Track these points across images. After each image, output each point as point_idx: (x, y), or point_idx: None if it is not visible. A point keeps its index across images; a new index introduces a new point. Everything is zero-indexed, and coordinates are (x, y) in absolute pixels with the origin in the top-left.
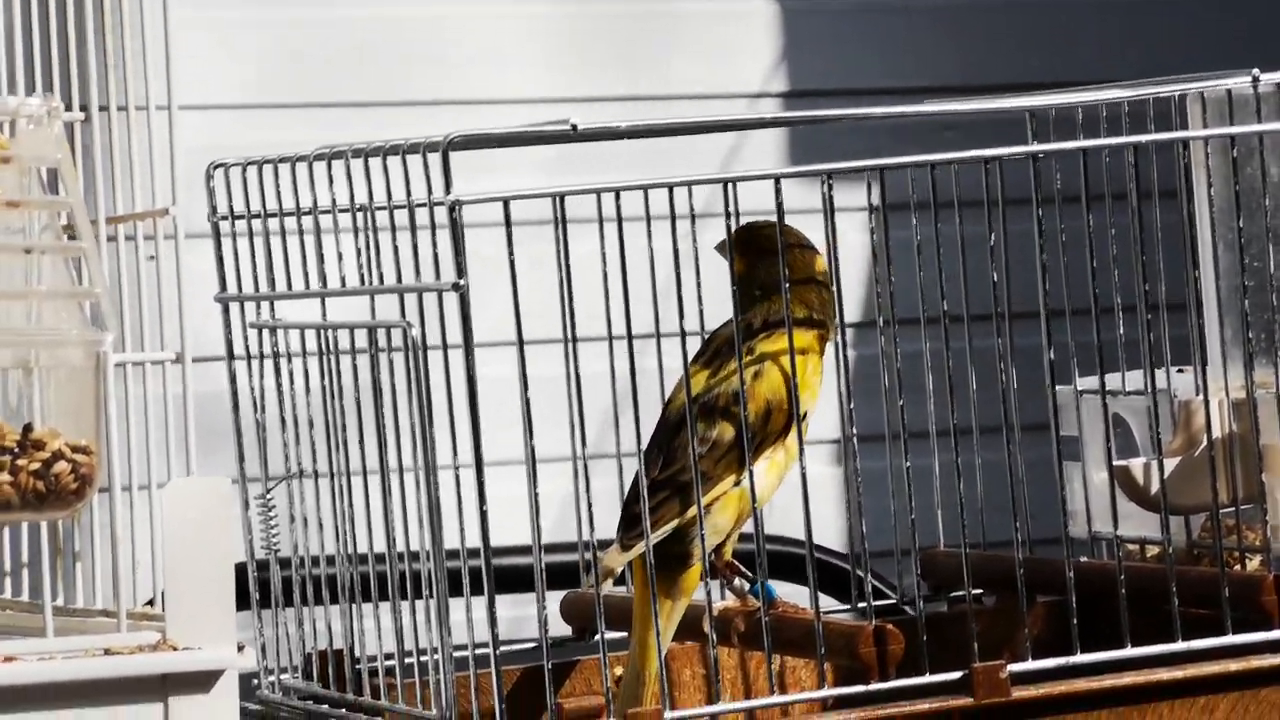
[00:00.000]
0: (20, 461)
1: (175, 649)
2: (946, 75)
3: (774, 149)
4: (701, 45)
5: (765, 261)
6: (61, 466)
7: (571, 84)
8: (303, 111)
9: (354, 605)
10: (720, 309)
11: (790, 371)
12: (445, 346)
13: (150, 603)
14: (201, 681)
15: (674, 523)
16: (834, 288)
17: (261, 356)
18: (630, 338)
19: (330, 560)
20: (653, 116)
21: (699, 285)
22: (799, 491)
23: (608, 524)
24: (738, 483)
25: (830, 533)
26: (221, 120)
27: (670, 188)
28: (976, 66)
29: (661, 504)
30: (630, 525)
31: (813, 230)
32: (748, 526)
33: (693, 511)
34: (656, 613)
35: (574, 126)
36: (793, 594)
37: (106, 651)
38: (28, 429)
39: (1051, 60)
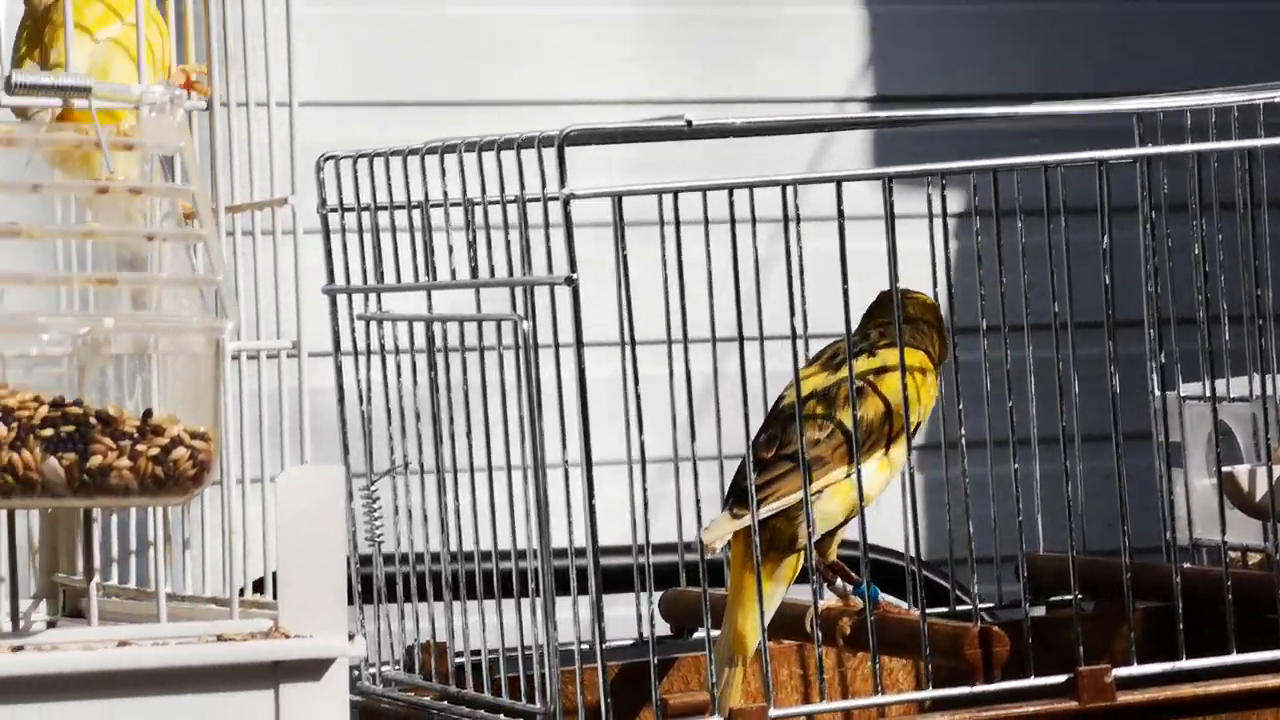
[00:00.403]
0: (139, 447)
1: (287, 636)
2: (1035, 82)
3: (854, 158)
4: (787, 49)
5: (884, 310)
6: (180, 453)
7: (656, 86)
8: (412, 110)
9: (457, 601)
10: (816, 316)
11: (902, 382)
12: (556, 342)
13: (259, 583)
14: (312, 669)
15: (788, 498)
16: (942, 289)
17: (369, 349)
18: (741, 339)
19: (435, 557)
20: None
21: (802, 285)
22: (896, 498)
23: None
24: (849, 474)
25: (921, 540)
26: (326, 117)
27: (783, 186)
28: (1061, 74)
29: (775, 480)
30: (740, 497)
31: (905, 235)
32: (850, 533)
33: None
34: (761, 595)
35: (689, 122)
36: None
37: (219, 638)
38: (147, 414)
39: (1143, 70)
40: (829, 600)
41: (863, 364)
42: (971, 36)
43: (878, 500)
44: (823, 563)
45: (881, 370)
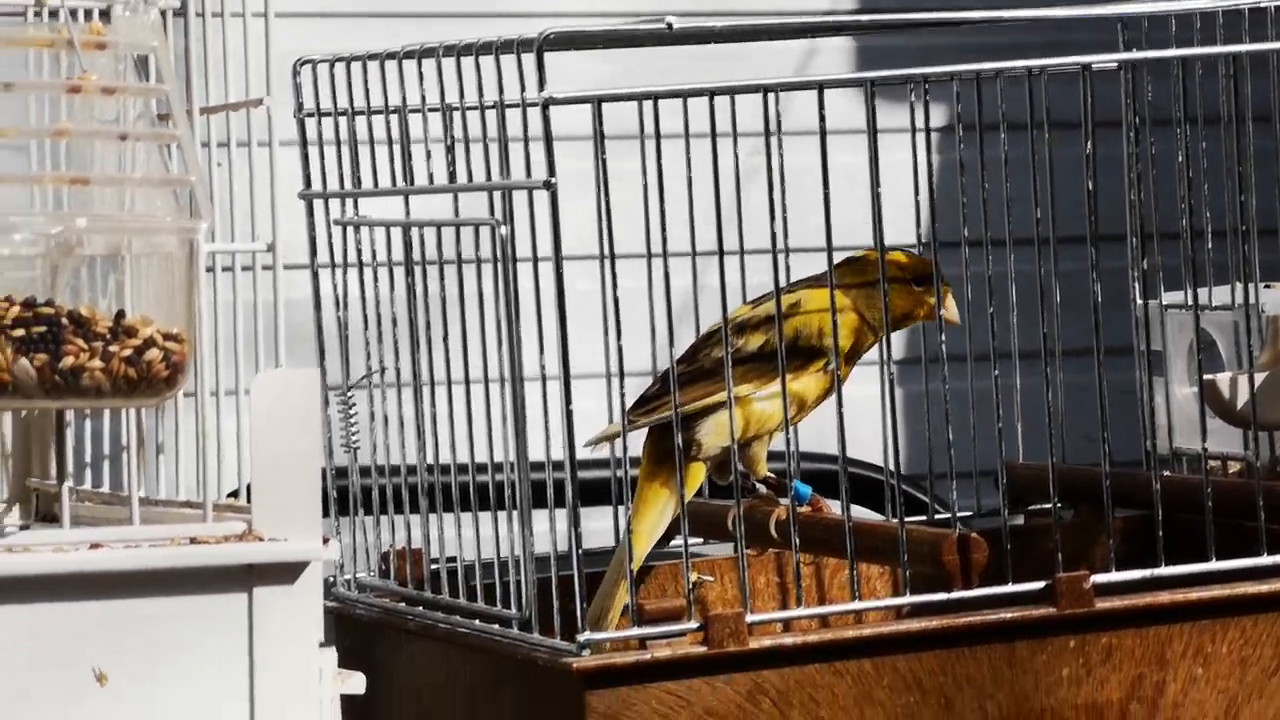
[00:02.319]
0: (112, 348)
1: (261, 539)
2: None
3: (842, 70)
4: None
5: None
6: (153, 354)
7: (642, 1)
8: (390, 21)
9: (433, 512)
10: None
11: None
12: (534, 246)
13: (233, 494)
14: (287, 572)
15: (685, 408)
16: (924, 198)
17: (345, 254)
18: (721, 252)
19: (412, 468)
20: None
21: (784, 197)
22: (875, 411)
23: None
24: (751, 392)
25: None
26: (302, 28)
27: (764, 91)
28: None
29: (669, 393)
30: (638, 405)
31: (886, 148)
32: (814, 447)
33: (698, 404)
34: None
35: (669, 25)
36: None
37: (192, 540)
38: (120, 315)
39: None
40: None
41: (784, 299)
42: None
43: (816, 414)
44: (755, 478)
45: (795, 305)
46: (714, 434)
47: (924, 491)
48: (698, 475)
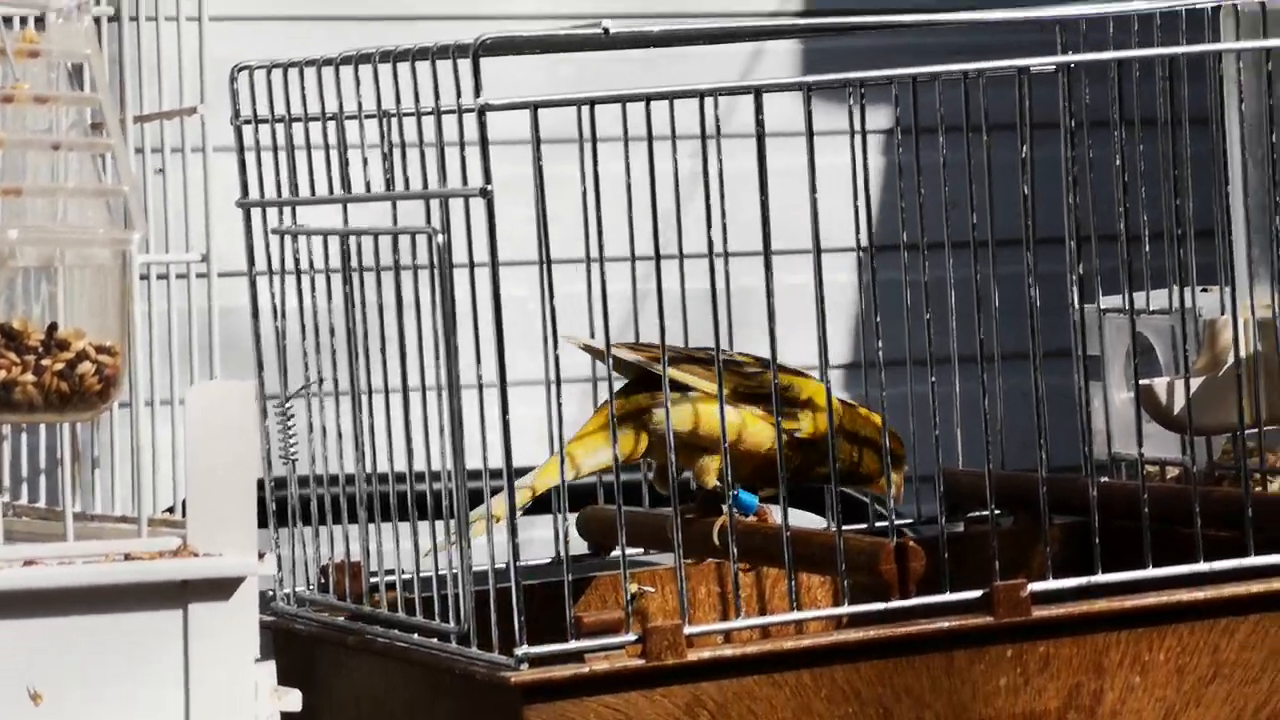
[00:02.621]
0: (44, 361)
1: (196, 555)
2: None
3: (789, 73)
4: None
5: None
6: (86, 367)
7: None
8: (328, 25)
9: (371, 523)
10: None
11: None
12: (471, 254)
13: (169, 510)
14: (222, 588)
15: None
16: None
17: (283, 265)
18: (659, 258)
19: (349, 478)
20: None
21: (722, 201)
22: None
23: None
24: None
25: None
26: (240, 32)
27: (701, 95)
28: None
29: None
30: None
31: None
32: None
33: (687, 378)
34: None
35: (605, 30)
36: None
37: (127, 556)
38: (52, 328)
39: None
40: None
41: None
42: None
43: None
44: (701, 484)
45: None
46: (683, 420)
47: (864, 495)
48: (640, 444)
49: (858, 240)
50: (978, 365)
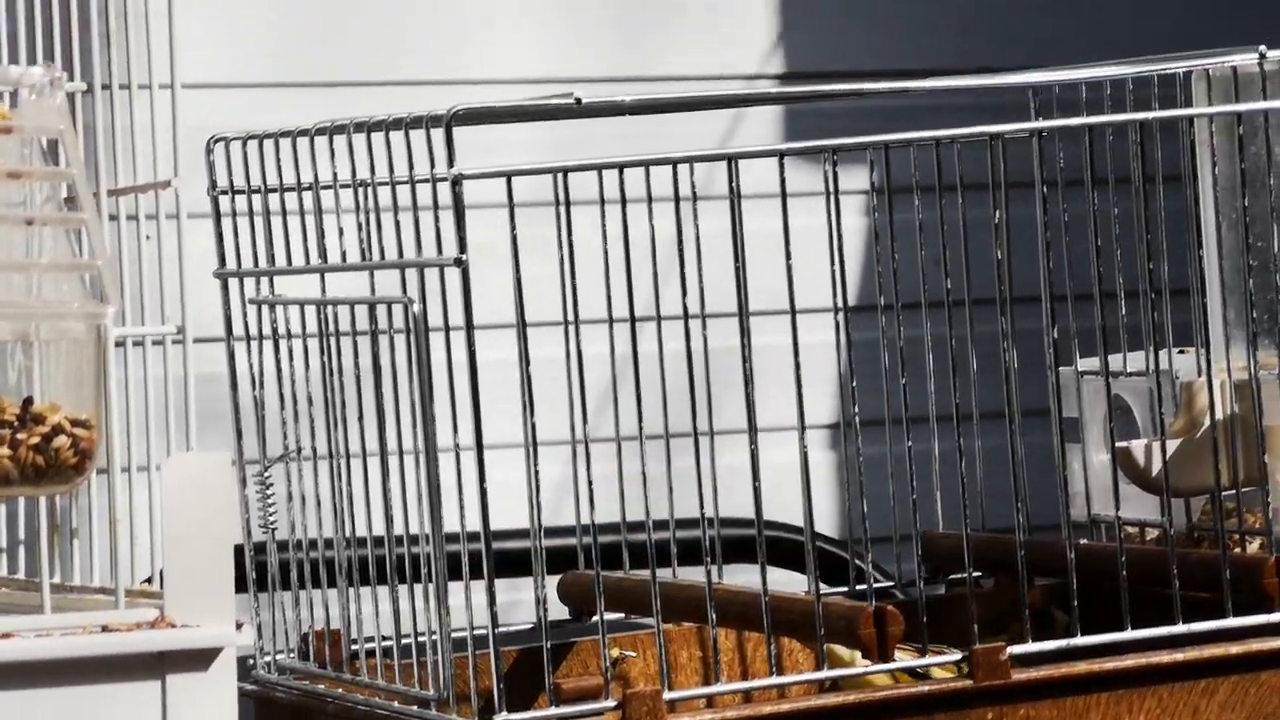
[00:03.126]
0: (20, 435)
1: (173, 626)
2: (946, 58)
3: (771, 135)
4: (699, 26)
5: None
6: (61, 441)
7: (569, 64)
8: (301, 91)
9: (351, 588)
10: (714, 294)
11: None
12: (446, 323)
13: (148, 581)
14: (199, 659)
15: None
16: (838, 267)
17: (260, 334)
18: (633, 320)
19: (328, 543)
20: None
21: (700, 266)
22: (791, 478)
23: (605, 507)
24: None
25: (823, 519)
26: (219, 100)
27: (674, 163)
28: (977, 49)
29: None
30: None
31: (813, 213)
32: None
33: None
34: None
35: (578, 100)
36: (787, 581)
37: (104, 628)
38: (28, 403)
39: (1055, 43)
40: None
41: None
42: (885, 11)
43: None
44: None
45: None
46: None
47: (860, 557)
48: None
49: (834, 302)
50: (967, 424)
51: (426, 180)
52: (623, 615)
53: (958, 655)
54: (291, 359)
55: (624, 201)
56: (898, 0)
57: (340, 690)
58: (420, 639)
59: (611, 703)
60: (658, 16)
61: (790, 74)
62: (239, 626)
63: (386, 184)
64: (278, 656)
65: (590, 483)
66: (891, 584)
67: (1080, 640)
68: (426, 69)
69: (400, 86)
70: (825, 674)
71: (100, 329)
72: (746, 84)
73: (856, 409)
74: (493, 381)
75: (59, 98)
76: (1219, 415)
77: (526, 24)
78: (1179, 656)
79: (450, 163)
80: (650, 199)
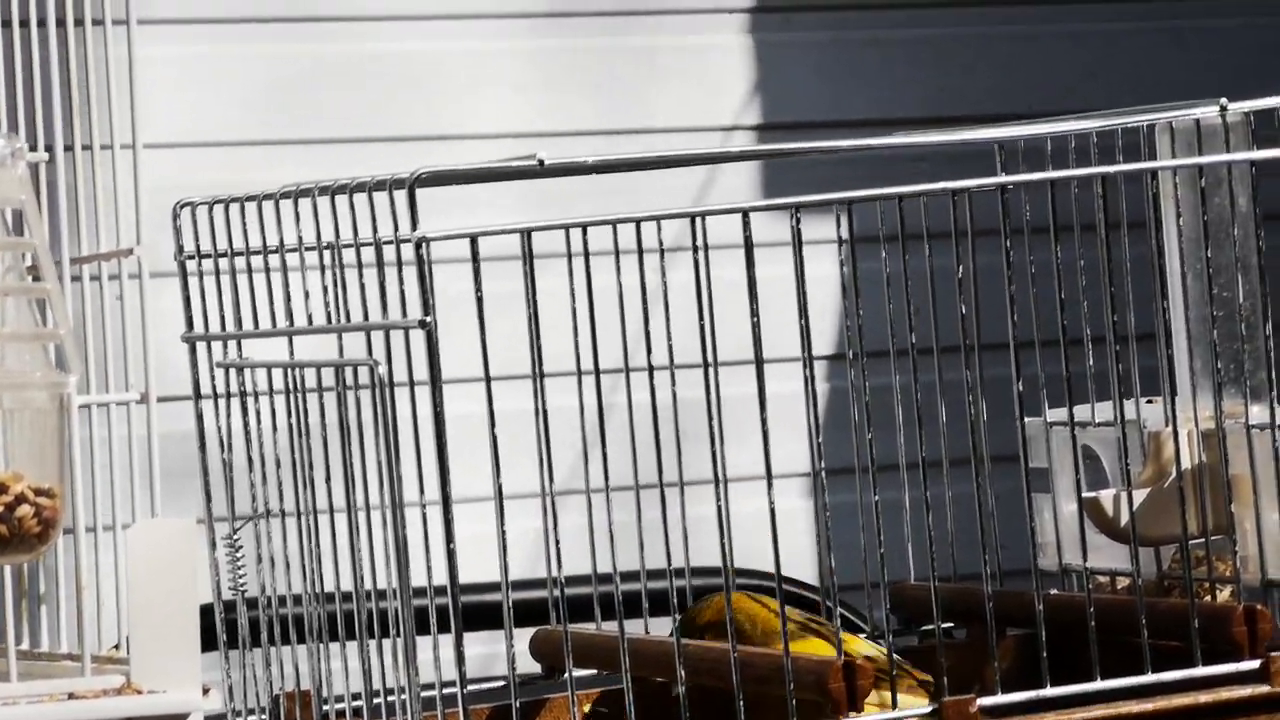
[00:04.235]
0: None
1: (140, 693)
2: (923, 107)
3: (746, 182)
4: (677, 78)
5: None
6: (24, 510)
7: (548, 118)
8: (273, 149)
9: (321, 645)
10: (687, 345)
11: None
12: (412, 384)
13: (116, 646)
14: None
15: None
16: (804, 320)
17: (229, 395)
18: (598, 372)
19: (298, 600)
20: (628, 150)
21: (668, 320)
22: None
23: (576, 561)
24: None
25: (801, 566)
26: (189, 158)
27: (638, 222)
28: (951, 99)
29: None
30: None
31: (782, 263)
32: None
33: None
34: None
35: (541, 162)
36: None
37: (70, 696)
38: None
39: (1028, 93)
40: None
41: None
42: (859, 63)
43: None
44: None
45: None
46: None
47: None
48: None
49: (802, 353)
50: (938, 473)
51: (391, 242)
52: (594, 671)
53: (927, 708)
54: (260, 420)
55: (587, 257)
56: (871, 54)
57: None
58: (390, 699)
59: None
60: (638, 70)
61: (766, 125)
62: (206, 691)
63: (352, 246)
64: (249, 719)
65: (557, 540)
66: (864, 635)
67: (1049, 691)
68: (397, 126)
69: (370, 144)
70: None
71: (63, 398)
72: (724, 135)
73: (823, 463)
74: (466, 434)
75: (21, 168)
76: (1186, 465)
77: (502, 79)
78: (1149, 706)
79: (414, 225)
80: (617, 255)
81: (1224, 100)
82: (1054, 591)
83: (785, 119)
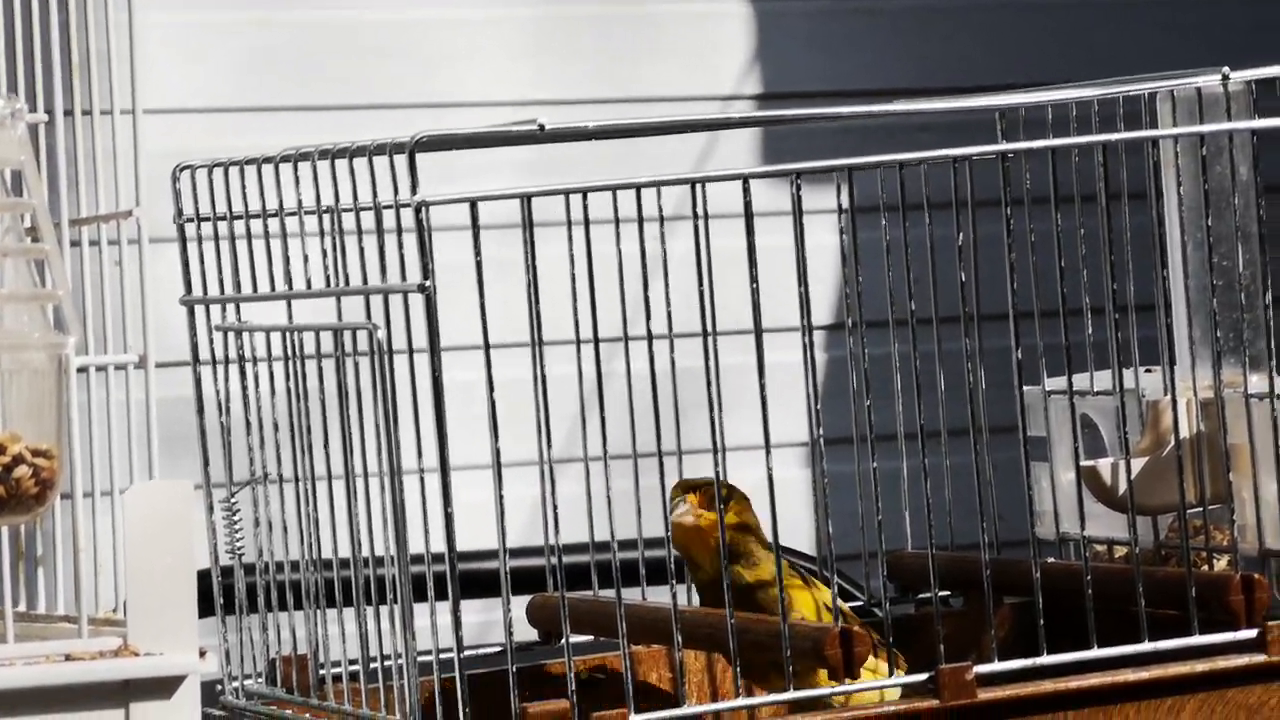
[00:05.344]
0: None
1: (137, 654)
2: (922, 76)
3: (746, 151)
4: (675, 47)
5: None
6: (22, 471)
7: (545, 86)
8: (271, 115)
9: (319, 611)
10: (687, 314)
11: None
12: (411, 349)
13: (114, 610)
14: (163, 687)
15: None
16: (803, 288)
17: (227, 360)
18: (597, 341)
19: (295, 565)
20: (626, 118)
21: (667, 288)
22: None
23: (573, 528)
24: None
25: (798, 535)
26: (189, 124)
27: (638, 188)
28: (952, 67)
29: None
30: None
31: (781, 233)
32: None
33: None
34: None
35: (541, 127)
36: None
37: (67, 657)
38: None
39: (1028, 61)
40: None
41: None
42: (857, 32)
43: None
44: None
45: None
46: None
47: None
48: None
49: (801, 322)
50: (939, 442)
51: (391, 206)
52: (590, 637)
53: (924, 675)
54: (258, 384)
55: (587, 223)
56: (871, 23)
57: (308, 715)
58: (387, 663)
59: None
60: (635, 39)
61: (767, 94)
62: (203, 654)
63: (352, 210)
64: (246, 682)
65: (555, 508)
66: (861, 603)
67: (1046, 659)
68: (396, 93)
69: (369, 110)
70: (794, 694)
71: (61, 359)
72: (724, 104)
73: (821, 432)
74: (464, 401)
75: (20, 129)
76: (1184, 434)
77: (503, 46)
78: (1145, 674)
79: (414, 189)
80: (617, 222)
81: (1226, 69)
82: (1051, 560)
83: (785, 88)
